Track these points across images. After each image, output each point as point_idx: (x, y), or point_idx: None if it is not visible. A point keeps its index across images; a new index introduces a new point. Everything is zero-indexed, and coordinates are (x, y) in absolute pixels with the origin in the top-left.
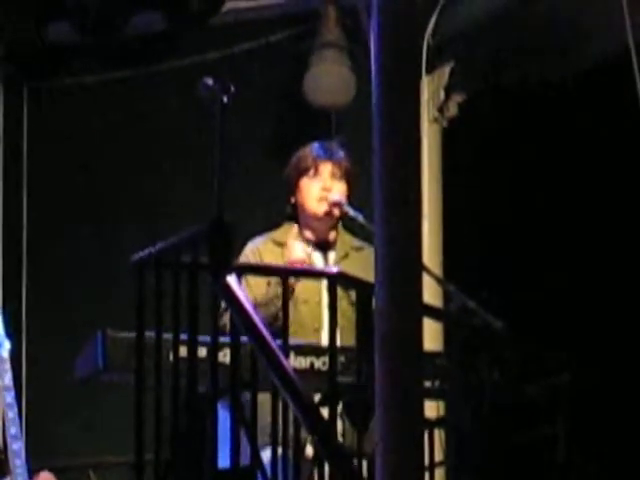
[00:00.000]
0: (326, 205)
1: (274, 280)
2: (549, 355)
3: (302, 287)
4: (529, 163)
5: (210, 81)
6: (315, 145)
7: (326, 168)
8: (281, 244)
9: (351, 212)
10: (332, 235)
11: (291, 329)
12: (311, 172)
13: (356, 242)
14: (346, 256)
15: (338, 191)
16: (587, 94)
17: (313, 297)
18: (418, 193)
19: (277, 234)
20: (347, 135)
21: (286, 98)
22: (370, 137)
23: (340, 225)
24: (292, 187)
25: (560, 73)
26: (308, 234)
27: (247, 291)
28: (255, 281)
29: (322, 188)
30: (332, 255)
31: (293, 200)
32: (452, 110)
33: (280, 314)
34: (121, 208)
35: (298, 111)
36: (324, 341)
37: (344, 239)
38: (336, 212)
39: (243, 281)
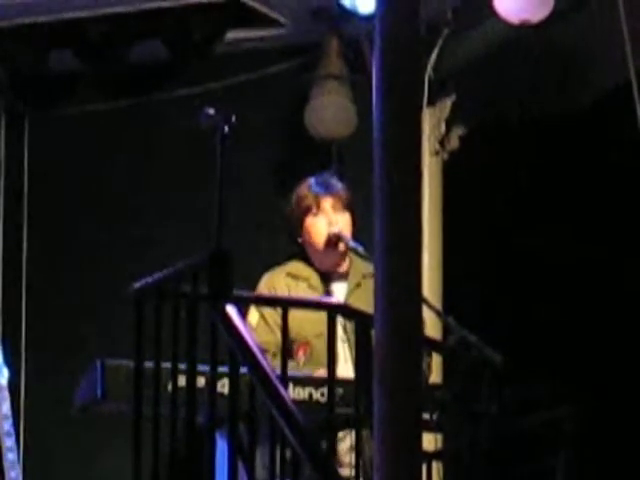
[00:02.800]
0: (329, 235)
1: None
2: (548, 388)
3: (315, 320)
4: (529, 196)
5: (211, 111)
6: (312, 182)
7: (327, 203)
8: (297, 277)
9: (351, 244)
10: (344, 266)
11: (308, 365)
12: (314, 210)
13: (369, 268)
14: (359, 285)
15: (342, 222)
16: (587, 127)
17: (325, 331)
18: (418, 225)
19: (293, 268)
20: (348, 167)
21: (287, 129)
22: (371, 169)
23: (352, 254)
24: (297, 227)
25: (560, 106)
26: (319, 268)
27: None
28: (260, 329)
29: (327, 223)
30: (344, 285)
31: (300, 240)
32: (453, 143)
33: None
34: (121, 238)
35: (299, 142)
36: (341, 374)
37: (357, 267)
38: (340, 243)
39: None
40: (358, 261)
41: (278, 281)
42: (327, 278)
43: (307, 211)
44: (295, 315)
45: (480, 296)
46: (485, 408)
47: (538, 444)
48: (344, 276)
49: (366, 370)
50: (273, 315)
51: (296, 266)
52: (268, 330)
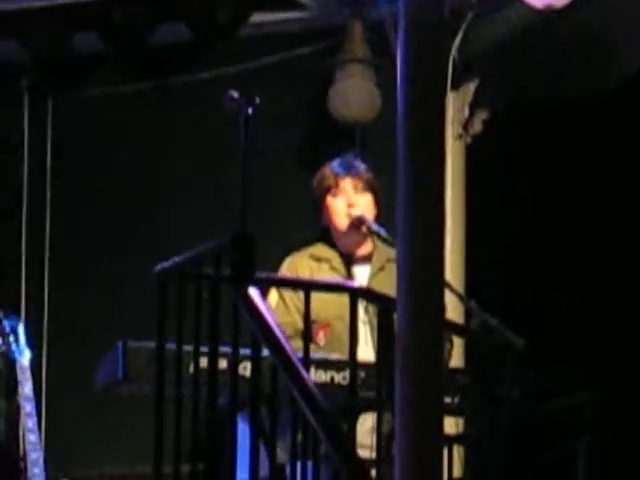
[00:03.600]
0: (349, 215)
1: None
2: (569, 374)
3: (336, 303)
4: (552, 181)
5: (235, 93)
6: (334, 163)
7: (347, 183)
8: (320, 259)
9: (374, 227)
10: (366, 249)
11: (328, 347)
12: (333, 190)
13: (392, 253)
14: (382, 269)
15: (363, 203)
16: (612, 111)
17: (347, 313)
18: (441, 209)
19: (315, 250)
20: (371, 150)
21: (311, 113)
22: (395, 152)
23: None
24: (320, 208)
25: (585, 90)
26: (342, 250)
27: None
28: (279, 310)
29: (347, 204)
30: (368, 269)
31: (323, 221)
32: (476, 127)
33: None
34: (144, 219)
35: (322, 126)
36: (362, 356)
37: (381, 251)
38: (362, 228)
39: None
40: (382, 245)
41: (301, 263)
42: (350, 260)
43: (327, 191)
44: (316, 297)
45: (502, 281)
46: (507, 392)
47: (559, 429)
48: (367, 259)
49: (388, 354)
50: (292, 297)
51: (319, 248)
52: (286, 312)
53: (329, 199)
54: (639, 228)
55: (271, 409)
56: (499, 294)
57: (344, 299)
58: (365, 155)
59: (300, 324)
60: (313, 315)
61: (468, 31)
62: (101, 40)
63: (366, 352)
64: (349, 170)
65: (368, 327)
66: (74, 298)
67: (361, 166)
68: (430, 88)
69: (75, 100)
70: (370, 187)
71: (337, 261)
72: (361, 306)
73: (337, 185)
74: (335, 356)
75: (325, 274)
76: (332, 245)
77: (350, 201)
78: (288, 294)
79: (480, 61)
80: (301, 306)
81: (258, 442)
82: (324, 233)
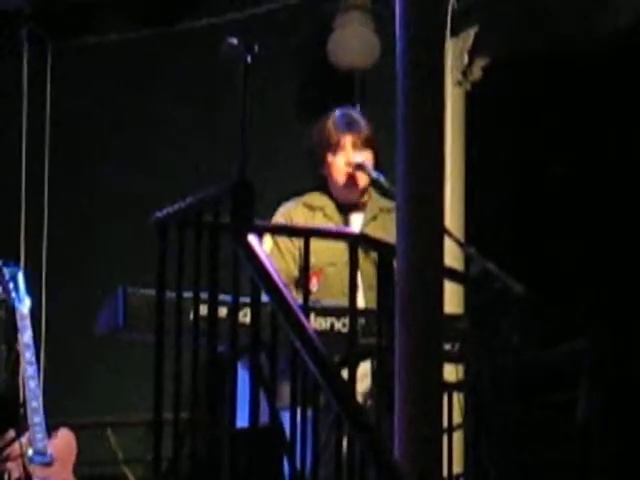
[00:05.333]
0: (348, 172)
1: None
2: (569, 319)
3: (328, 249)
4: (551, 127)
5: (234, 41)
6: (336, 117)
7: (347, 140)
8: (313, 207)
9: (373, 174)
10: (363, 199)
11: (321, 293)
12: (333, 147)
13: (386, 203)
14: (375, 218)
15: (363, 159)
16: (613, 60)
17: (340, 259)
18: (441, 156)
19: (309, 198)
20: (370, 97)
21: (310, 60)
22: (394, 99)
23: (371, 187)
24: (319, 161)
25: (586, 38)
26: (339, 200)
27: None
28: (273, 257)
29: (346, 162)
30: (360, 216)
31: (322, 172)
32: (476, 74)
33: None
34: (143, 167)
35: (322, 74)
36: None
37: (374, 201)
38: (360, 179)
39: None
40: (377, 195)
41: (295, 212)
42: (343, 209)
43: (328, 147)
44: (310, 244)
45: (502, 227)
46: (507, 338)
47: (559, 375)
48: (361, 208)
49: (387, 300)
50: (287, 244)
51: (313, 197)
52: (280, 258)
53: (330, 156)
54: None
55: (271, 356)
56: (499, 241)
57: (336, 246)
58: (364, 102)
59: (294, 271)
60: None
61: None
62: None
63: (359, 298)
64: (350, 127)
65: (360, 273)
66: (73, 246)
67: (362, 122)
68: (429, 34)
69: (74, 48)
70: (370, 144)
71: (331, 209)
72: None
73: (337, 142)
74: (328, 302)
75: (319, 222)
76: (327, 193)
77: (349, 159)
78: (282, 241)
79: (479, 7)
80: (295, 252)
81: (258, 389)
82: (321, 181)
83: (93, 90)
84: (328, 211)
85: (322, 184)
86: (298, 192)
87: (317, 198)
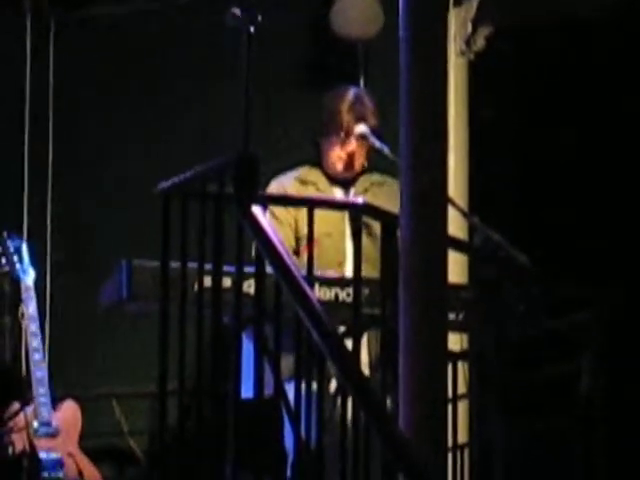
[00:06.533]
0: (346, 161)
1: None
2: (574, 289)
3: (324, 220)
4: (556, 96)
5: (238, 11)
6: (349, 101)
7: (354, 134)
8: (306, 182)
9: (377, 144)
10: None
11: (316, 263)
12: (341, 133)
13: (377, 177)
14: (366, 191)
15: (362, 151)
16: (617, 28)
17: (336, 230)
18: (444, 126)
19: (302, 173)
20: (374, 67)
21: (312, 31)
22: (397, 69)
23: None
24: (321, 132)
25: (590, 9)
26: (330, 173)
27: None
28: None
29: (346, 153)
30: (352, 191)
31: (320, 146)
32: (479, 43)
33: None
34: (145, 138)
35: (324, 44)
36: (348, 274)
37: (365, 175)
38: (357, 161)
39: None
40: (369, 171)
41: (289, 185)
42: (335, 182)
43: (335, 131)
44: (304, 214)
45: (506, 197)
46: (511, 308)
47: (563, 345)
48: (352, 182)
49: (392, 270)
50: (284, 214)
51: (305, 171)
52: (279, 228)
53: (333, 138)
54: None
55: (275, 327)
56: (503, 210)
57: (333, 217)
58: (367, 73)
59: (292, 241)
60: (301, 232)
61: None
62: None
63: (349, 269)
64: (362, 118)
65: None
66: (77, 218)
67: (372, 108)
68: (432, 3)
69: (76, 20)
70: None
71: (323, 183)
72: (348, 223)
73: (347, 131)
74: (324, 272)
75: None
76: (320, 167)
77: (348, 150)
78: (280, 211)
79: None
80: (293, 222)
81: (262, 360)
82: (316, 151)
83: (95, 62)
84: (321, 186)
85: (316, 155)
86: (300, 164)
87: (310, 173)
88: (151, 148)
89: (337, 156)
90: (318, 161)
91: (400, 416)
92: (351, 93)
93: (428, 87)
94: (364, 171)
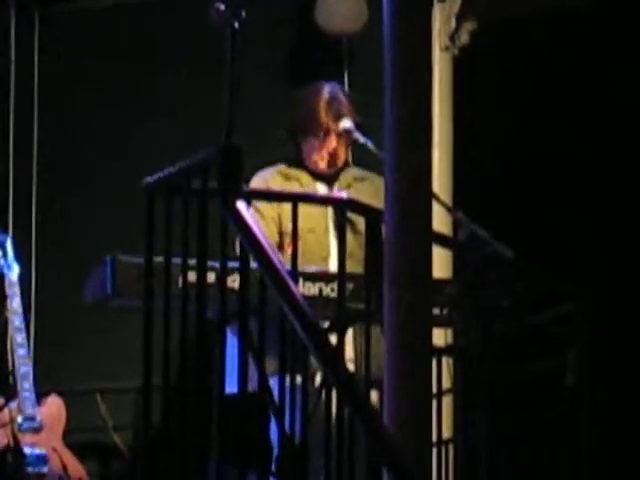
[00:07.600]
0: (328, 160)
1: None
2: (558, 283)
3: (307, 216)
4: (540, 91)
5: (222, 6)
6: (326, 99)
7: (335, 129)
8: (289, 177)
9: (361, 139)
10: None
11: (300, 259)
12: (320, 132)
13: (358, 172)
14: (349, 187)
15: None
16: (601, 24)
17: (319, 225)
18: (429, 121)
19: (285, 168)
20: (358, 62)
21: (297, 25)
22: (381, 64)
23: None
24: (301, 133)
25: (574, 3)
26: (312, 168)
27: None
28: None
29: (328, 152)
30: (336, 186)
31: (300, 145)
32: (463, 39)
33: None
34: (131, 133)
35: (309, 38)
36: (334, 268)
37: (348, 171)
38: (339, 158)
39: None
40: (350, 166)
41: (272, 180)
42: (318, 178)
43: (314, 128)
44: (288, 210)
45: (490, 193)
46: (496, 303)
47: (548, 340)
48: (334, 177)
49: (376, 265)
50: (267, 209)
51: (286, 167)
52: (263, 224)
53: (312, 137)
54: (631, 141)
55: (260, 322)
56: (487, 206)
57: (316, 212)
58: (351, 68)
59: (276, 236)
60: (284, 228)
61: None
62: None
63: (332, 265)
64: (340, 116)
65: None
66: (62, 213)
67: (350, 105)
68: None
69: (61, 14)
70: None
71: (306, 179)
72: (331, 219)
73: (326, 130)
74: (308, 268)
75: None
76: (301, 164)
77: (329, 149)
78: (263, 206)
79: None
80: (277, 218)
81: (247, 355)
82: (297, 148)
83: (80, 56)
84: (304, 181)
85: (297, 154)
86: (283, 159)
87: (292, 168)
88: (137, 143)
89: (319, 156)
90: (300, 158)
91: (385, 411)
92: (326, 91)
93: (412, 82)
94: (345, 165)
